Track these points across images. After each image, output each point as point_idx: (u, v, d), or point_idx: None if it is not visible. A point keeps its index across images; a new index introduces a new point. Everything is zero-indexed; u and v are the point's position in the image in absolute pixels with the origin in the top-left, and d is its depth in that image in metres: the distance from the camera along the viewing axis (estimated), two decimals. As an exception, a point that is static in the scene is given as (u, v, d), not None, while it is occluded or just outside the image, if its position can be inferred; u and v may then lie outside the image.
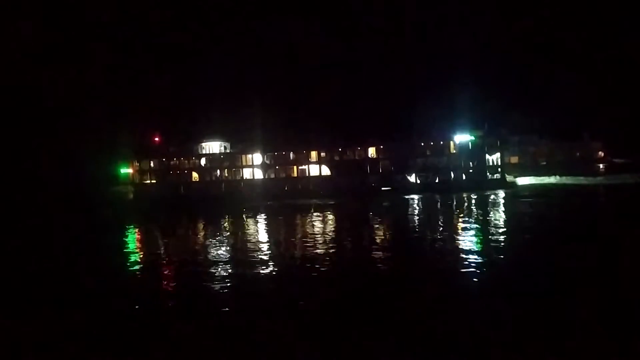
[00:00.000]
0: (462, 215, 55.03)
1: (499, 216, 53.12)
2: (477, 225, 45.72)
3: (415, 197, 79.45)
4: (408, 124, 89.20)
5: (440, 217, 56.09)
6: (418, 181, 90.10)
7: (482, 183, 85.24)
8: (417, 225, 50.65)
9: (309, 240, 40.60)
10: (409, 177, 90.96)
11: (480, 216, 52.95)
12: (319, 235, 43.21)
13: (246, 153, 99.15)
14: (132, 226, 60.92)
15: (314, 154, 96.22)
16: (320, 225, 51.41)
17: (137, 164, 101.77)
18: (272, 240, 42.77)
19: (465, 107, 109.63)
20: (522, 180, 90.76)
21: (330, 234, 45.07)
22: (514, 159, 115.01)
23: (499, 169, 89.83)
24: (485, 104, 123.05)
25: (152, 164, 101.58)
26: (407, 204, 71.00)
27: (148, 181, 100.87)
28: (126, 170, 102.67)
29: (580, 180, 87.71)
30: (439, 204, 69.69)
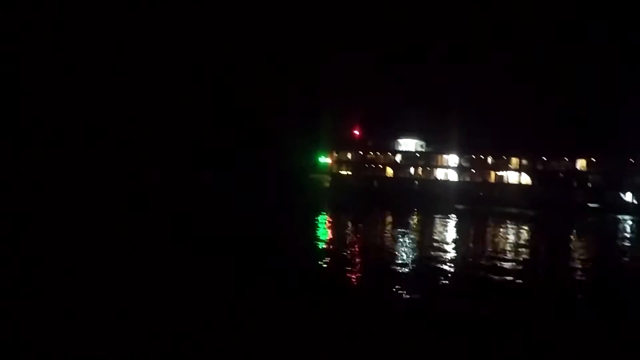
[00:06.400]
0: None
1: None
2: None
3: (629, 218, 70.34)
4: (628, 133, 78.93)
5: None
6: (636, 201, 79.57)
7: None
8: (629, 250, 44.44)
9: (497, 252, 38.28)
10: (623, 196, 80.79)
11: None
12: (510, 248, 40.51)
13: (442, 153, 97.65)
14: (324, 212, 64.32)
15: (514, 160, 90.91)
16: (513, 238, 48.24)
17: (336, 155, 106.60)
18: (456, 245, 41.17)
19: None
20: None
21: (522, 248, 41.77)
22: None
23: None
24: None
25: (349, 156, 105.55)
26: (618, 225, 63.25)
27: (344, 172, 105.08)
28: (325, 160, 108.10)
29: None
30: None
